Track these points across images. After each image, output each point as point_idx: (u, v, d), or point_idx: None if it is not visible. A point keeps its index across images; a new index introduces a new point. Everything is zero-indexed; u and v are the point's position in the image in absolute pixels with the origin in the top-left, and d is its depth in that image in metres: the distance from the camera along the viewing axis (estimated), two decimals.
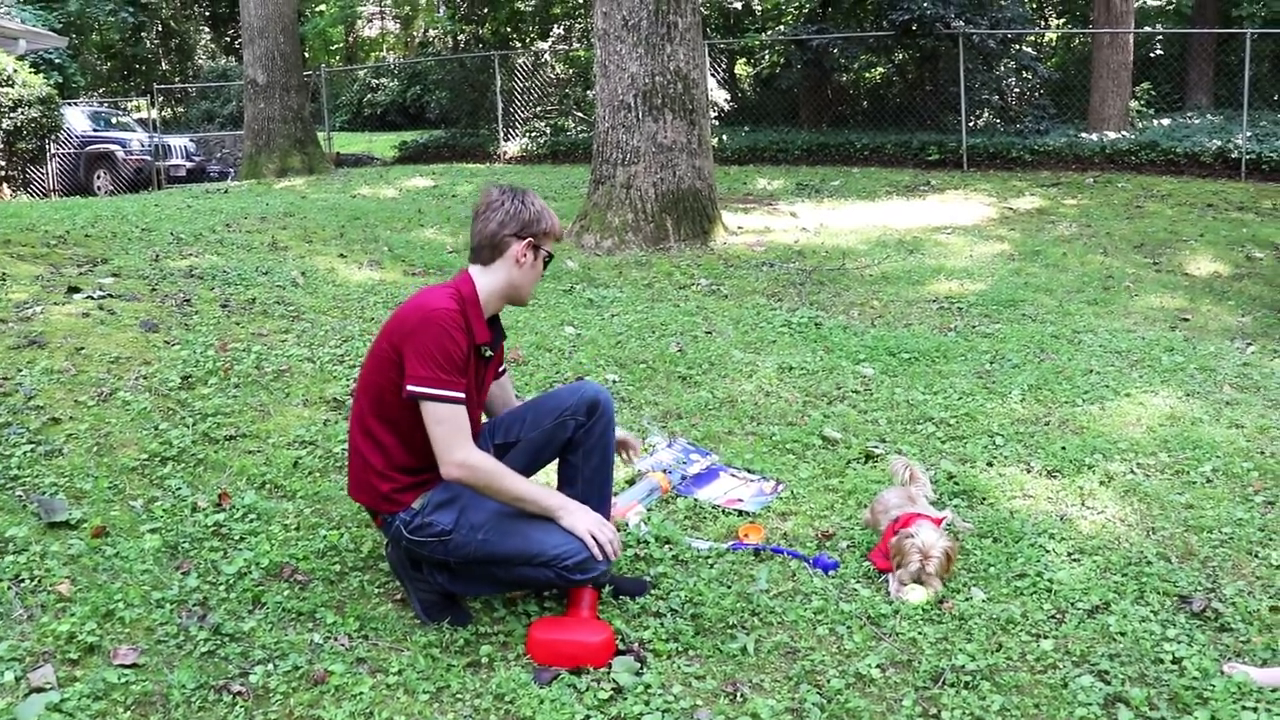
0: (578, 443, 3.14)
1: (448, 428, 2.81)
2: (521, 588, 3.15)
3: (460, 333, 2.85)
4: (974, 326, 6.51)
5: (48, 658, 2.68)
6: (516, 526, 2.89)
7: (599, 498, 3.17)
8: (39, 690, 2.54)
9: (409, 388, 2.80)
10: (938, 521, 3.32)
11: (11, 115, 15.11)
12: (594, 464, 3.15)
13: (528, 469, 3.14)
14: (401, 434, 2.92)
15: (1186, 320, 6.86)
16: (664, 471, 4.17)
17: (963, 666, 2.83)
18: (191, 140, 20.71)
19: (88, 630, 2.79)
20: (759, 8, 19.57)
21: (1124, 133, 13.79)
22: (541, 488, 3.01)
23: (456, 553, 2.92)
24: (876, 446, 4.47)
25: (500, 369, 3.29)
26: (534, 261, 3.04)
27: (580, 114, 17.82)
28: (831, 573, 3.39)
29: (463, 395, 2.84)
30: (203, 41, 34.84)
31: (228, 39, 33.67)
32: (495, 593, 3.16)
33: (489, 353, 3.06)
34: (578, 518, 2.88)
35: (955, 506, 3.87)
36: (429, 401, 2.80)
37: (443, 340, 2.80)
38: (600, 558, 2.85)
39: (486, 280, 3.00)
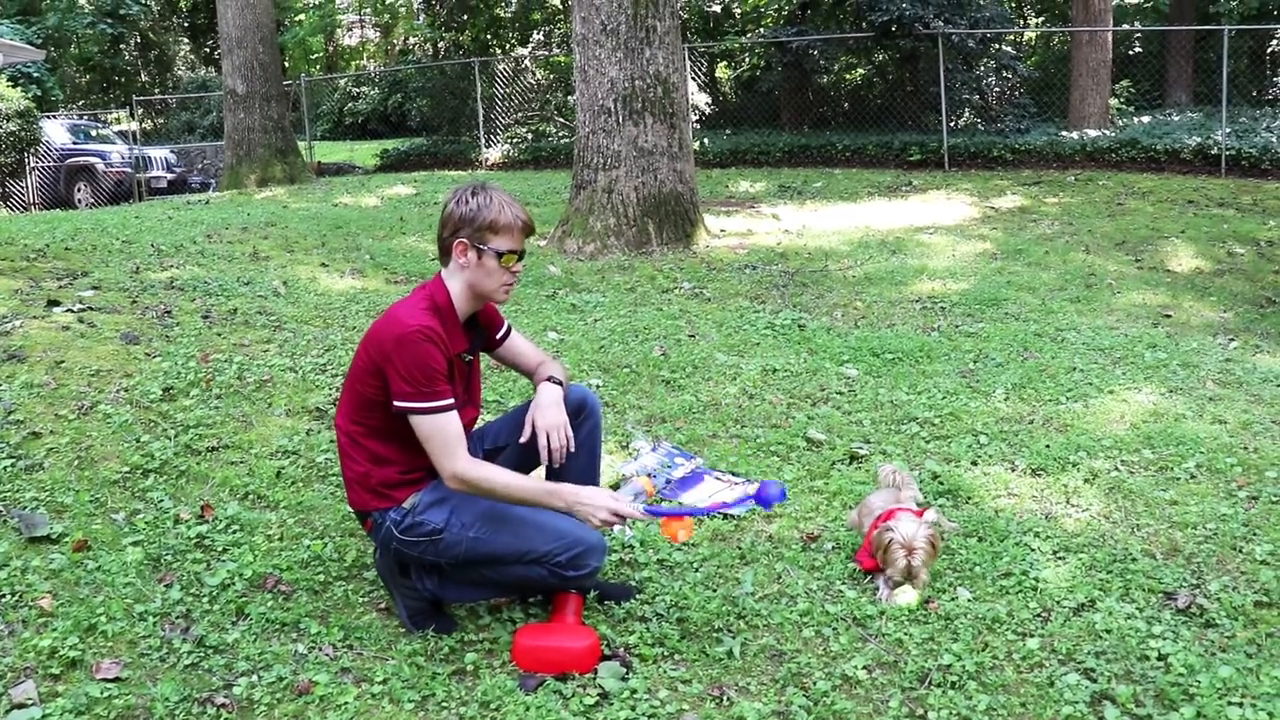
0: None
1: (436, 441, 2.82)
2: (514, 589, 3.14)
3: (433, 346, 2.81)
4: (957, 326, 6.52)
5: (29, 673, 2.66)
6: (507, 524, 2.89)
7: None
8: (20, 706, 2.52)
9: (395, 404, 2.82)
10: (919, 513, 3.31)
11: None
12: (581, 463, 3.15)
13: (518, 470, 3.11)
14: (388, 435, 2.92)
15: (1169, 317, 6.89)
16: (649, 476, 4.16)
17: (949, 666, 2.83)
18: (172, 151, 20.66)
19: (70, 645, 2.77)
20: (738, 10, 19.60)
21: (1104, 130, 13.86)
22: (543, 485, 2.94)
23: (447, 553, 2.92)
24: (861, 447, 4.47)
25: (500, 335, 3.22)
26: (478, 261, 2.90)
27: (561, 119, 17.81)
28: (777, 504, 3.23)
29: (449, 402, 2.83)
30: (182, 52, 34.67)
31: (207, 49, 33.50)
32: (484, 598, 3.15)
33: (469, 358, 3.06)
34: (593, 507, 2.83)
35: (940, 506, 3.88)
36: (415, 415, 2.82)
37: (419, 357, 2.79)
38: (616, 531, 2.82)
39: (452, 284, 2.97)
